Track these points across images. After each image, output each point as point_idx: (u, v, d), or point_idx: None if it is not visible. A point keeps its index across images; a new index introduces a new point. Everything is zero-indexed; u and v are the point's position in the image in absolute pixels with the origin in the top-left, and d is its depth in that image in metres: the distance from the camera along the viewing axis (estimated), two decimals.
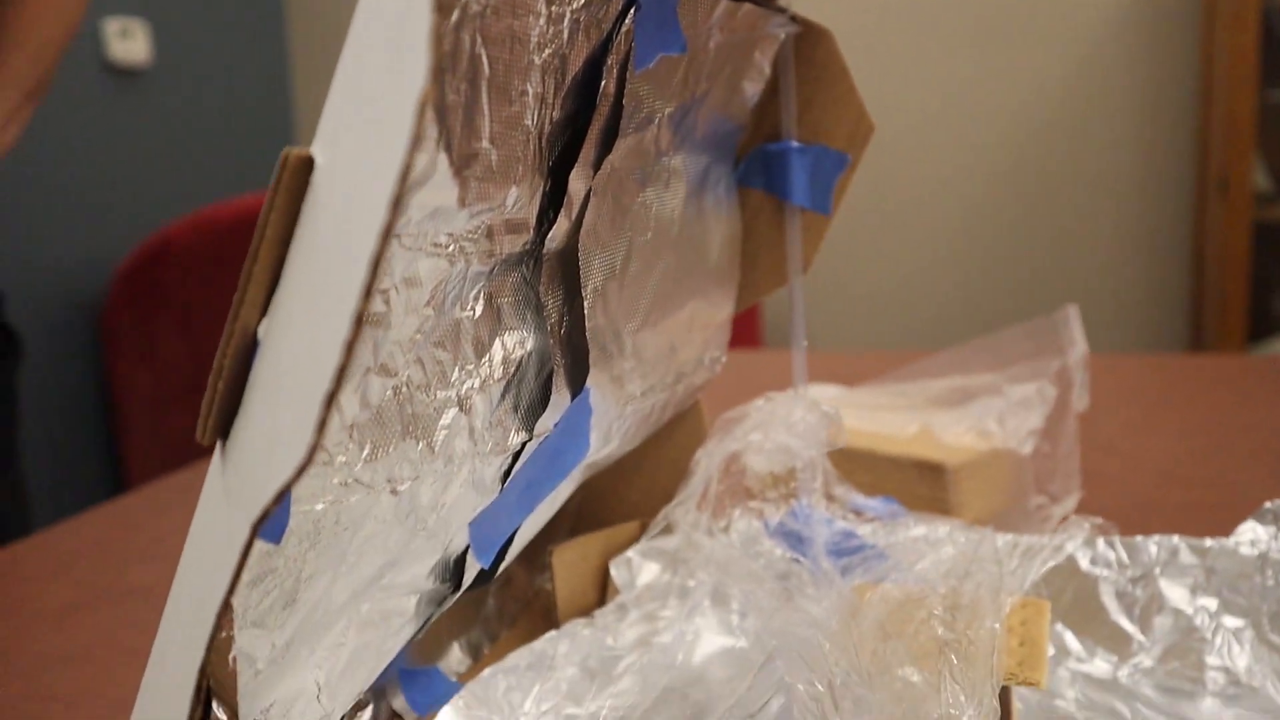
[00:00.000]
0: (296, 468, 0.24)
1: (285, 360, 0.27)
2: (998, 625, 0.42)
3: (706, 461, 0.51)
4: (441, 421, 0.37)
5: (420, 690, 0.49)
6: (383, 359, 0.33)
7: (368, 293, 0.23)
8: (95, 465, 2.17)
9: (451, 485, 0.38)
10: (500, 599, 0.56)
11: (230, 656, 0.31)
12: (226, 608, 0.29)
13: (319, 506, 0.32)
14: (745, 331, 2.29)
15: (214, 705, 0.32)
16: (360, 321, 0.23)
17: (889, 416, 0.73)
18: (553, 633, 0.52)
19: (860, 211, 2.60)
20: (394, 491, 0.35)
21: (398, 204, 0.23)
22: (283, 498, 0.26)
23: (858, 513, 0.57)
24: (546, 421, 0.42)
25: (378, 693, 0.47)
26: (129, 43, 2.19)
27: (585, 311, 0.42)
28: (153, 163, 2.27)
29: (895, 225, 2.60)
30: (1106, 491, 0.78)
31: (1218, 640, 0.51)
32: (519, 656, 0.50)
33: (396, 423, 0.35)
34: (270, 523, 0.31)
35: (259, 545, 0.31)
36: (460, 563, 0.43)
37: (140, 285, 2.09)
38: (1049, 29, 2.42)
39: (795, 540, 0.54)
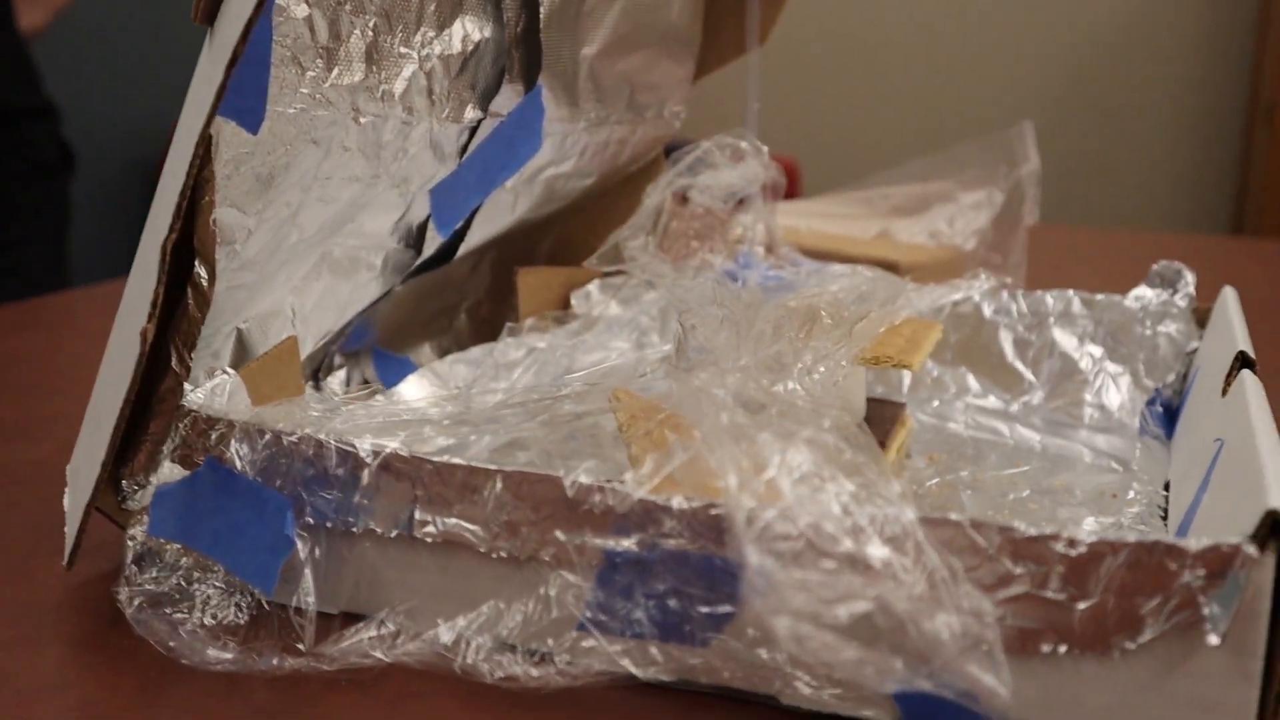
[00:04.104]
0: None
1: None
2: (874, 310, 0.49)
3: (657, 195, 0.58)
4: (402, 73, 0.43)
5: (390, 371, 0.56)
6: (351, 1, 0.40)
7: None
8: None
9: (412, 136, 0.45)
10: (472, 319, 0.63)
11: (211, 219, 0.38)
12: (207, 158, 0.36)
13: (290, 110, 0.39)
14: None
15: (196, 263, 0.39)
16: None
17: (851, 223, 0.80)
18: (513, 339, 0.59)
19: (913, 125, 2.62)
20: (357, 120, 0.42)
21: None
22: (249, 34, 0.33)
23: (795, 267, 0.63)
24: (501, 105, 0.49)
25: (350, 358, 0.55)
26: None
27: (542, 17, 0.49)
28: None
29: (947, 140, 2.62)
30: None
31: (1098, 382, 0.57)
32: (480, 351, 0.58)
33: (362, 59, 0.41)
34: (248, 110, 0.38)
35: (238, 133, 0.38)
36: (422, 230, 0.50)
37: None
38: None
39: (734, 278, 0.61)
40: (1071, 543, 0.29)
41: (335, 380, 0.54)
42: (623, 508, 0.32)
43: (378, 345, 0.56)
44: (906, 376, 0.60)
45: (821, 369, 0.41)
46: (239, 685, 0.35)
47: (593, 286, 0.63)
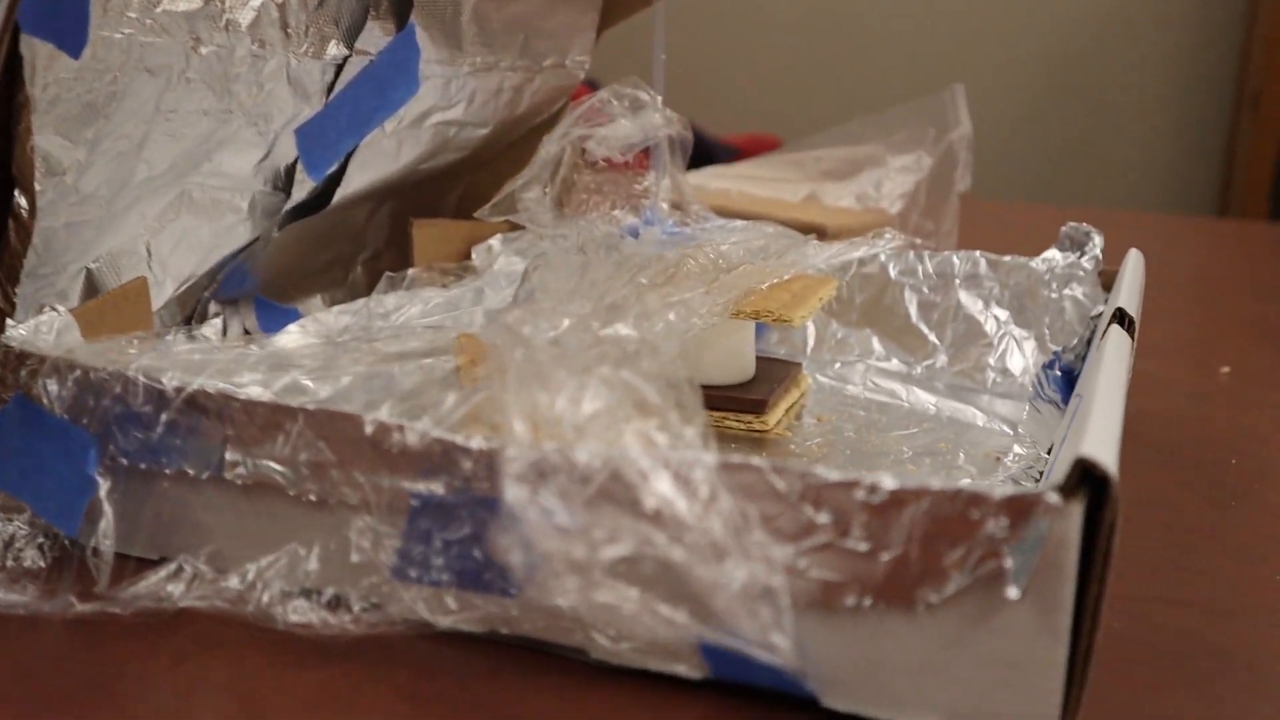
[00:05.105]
0: None
1: None
2: (752, 265, 0.47)
3: (553, 145, 0.56)
4: (250, 3, 0.42)
5: (273, 320, 0.55)
6: None
7: None
8: None
9: (265, 70, 0.43)
10: (369, 272, 0.61)
11: (29, 146, 0.37)
12: (19, 83, 0.35)
13: (116, 36, 0.38)
14: None
15: (15, 193, 0.38)
16: None
17: (781, 186, 0.78)
18: (405, 291, 0.57)
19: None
20: (196, 49, 0.40)
21: None
22: None
23: (701, 223, 0.62)
24: (368, 43, 0.47)
25: (229, 306, 0.53)
26: None
27: None
28: None
29: None
30: None
31: (1002, 346, 0.55)
32: (366, 302, 0.56)
33: None
34: (67, 33, 0.36)
35: (58, 57, 0.36)
36: (290, 173, 0.48)
37: None
38: None
39: (634, 233, 0.59)
40: (872, 489, 0.28)
41: (210, 329, 0.53)
42: (420, 446, 0.31)
43: (260, 294, 0.55)
44: (810, 336, 0.59)
45: (671, 316, 0.39)
46: (33, 628, 0.33)
47: (495, 240, 0.62)
